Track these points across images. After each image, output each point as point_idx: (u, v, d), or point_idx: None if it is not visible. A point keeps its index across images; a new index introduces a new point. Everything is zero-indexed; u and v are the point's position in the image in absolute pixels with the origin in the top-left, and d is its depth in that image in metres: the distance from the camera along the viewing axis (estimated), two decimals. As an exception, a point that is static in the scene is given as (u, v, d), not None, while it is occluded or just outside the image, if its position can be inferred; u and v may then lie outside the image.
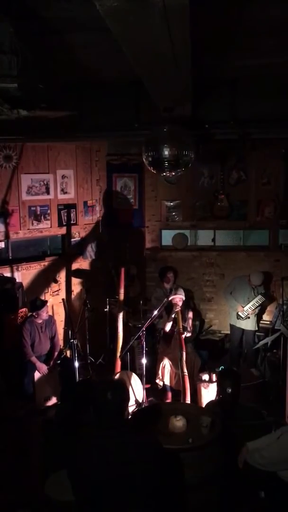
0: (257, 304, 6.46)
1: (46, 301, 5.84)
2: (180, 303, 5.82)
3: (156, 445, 2.59)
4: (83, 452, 2.48)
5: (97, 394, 2.54)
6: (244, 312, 6.46)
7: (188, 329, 6.01)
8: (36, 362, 5.55)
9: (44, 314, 5.65)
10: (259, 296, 6.47)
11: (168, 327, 5.92)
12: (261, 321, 6.94)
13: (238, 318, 6.52)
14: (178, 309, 5.78)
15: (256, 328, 6.68)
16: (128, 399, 2.63)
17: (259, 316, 6.81)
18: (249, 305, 6.45)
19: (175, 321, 5.82)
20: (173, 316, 5.83)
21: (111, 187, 7.37)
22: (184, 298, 5.92)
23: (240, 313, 6.48)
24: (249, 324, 6.57)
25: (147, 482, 2.41)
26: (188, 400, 5.18)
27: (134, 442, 2.48)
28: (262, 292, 6.53)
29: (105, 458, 2.40)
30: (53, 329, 5.88)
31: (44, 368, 5.57)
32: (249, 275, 6.53)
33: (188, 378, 5.36)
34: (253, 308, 6.46)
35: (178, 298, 5.83)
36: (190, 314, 6.16)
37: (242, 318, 6.48)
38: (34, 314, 5.65)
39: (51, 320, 5.89)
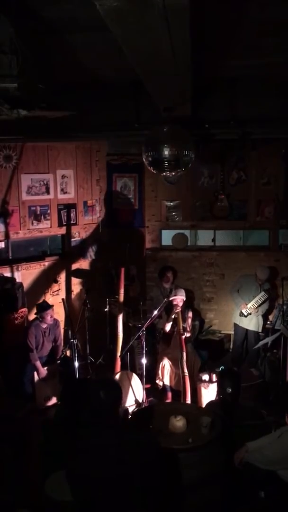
0: (260, 302, 6.44)
1: (52, 305, 5.85)
2: (180, 304, 5.82)
3: (154, 444, 2.60)
4: (81, 451, 2.48)
5: (90, 393, 2.54)
6: (247, 309, 6.44)
7: (188, 329, 6.01)
8: (39, 368, 5.56)
9: (49, 318, 5.67)
10: (262, 293, 6.45)
11: (168, 327, 5.92)
12: (267, 323, 6.90)
13: (240, 315, 6.50)
14: (178, 309, 5.77)
15: (260, 330, 6.63)
16: (121, 396, 2.63)
17: (265, 318, 6.75)
18: (252, 302, 6.43)
19: (175, 322, 5.82)
20: (173, 316, 5.82)
21: (111, 187, 7.36)
22: (185, 299, 5.92)
23: (243, 311, 6.46)
24: (252, 324, 6.55)
25: (144, 481, 2.41)
26: (188, 400, 5.19)
27: (131, 441, 2.48)
28: (265, 289, 6.52)
29: (103, 457, 2.40)
30: (57, 333, 5.89)
31: (44, 373, 5.58)
32: (255, 271, 6.53)
33: (188, 378, 5.36)
34: (256, 305, 6.43)
35: (179, 299, 5.82)
36: (190, 314, 6.15)
37: (245, 315, 6.46)
38: (39, 317, 5.67)
39: (55, 323, 5.90)
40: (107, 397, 2.47)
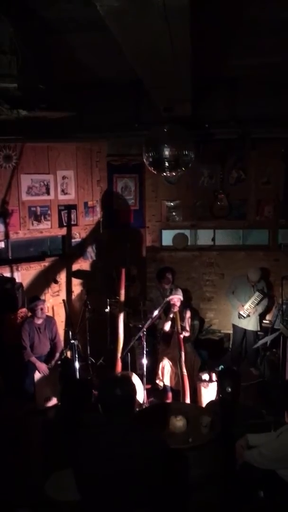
0: (256, 302, 6.45)
1: (40, 298, 5.86)
2: (178, 303, 5.82)
3: (160, 443, 2.60)
4: (90, 447, 2.48)
5: (105, 391, 2.54)
6: (245, 311, 6.45)
7: (187, 328, 6.01)
8: (36, 362, 5.55)
9: (39, 312, 5.65)
10: (257, 293, 6.46)
11: (166, 327, 5.92)
12: (263, 322, 6.91)
13: (239, 318, 6.51)
14: (176, 309, 5.78)
15: (258, 329, 6.65)
16: (136, 392, 2.63)
17: (262, 317, 6.77)
18: (249, 303, 6.44)
19: (173, 321, 5.83)
20: (171, 316, 5.83)
21: (111, 188, 7.37)
22: (182, 299, 5.92)
23: (241, 312, 6.47)
24: (250, 324, 6.56)
25: (150, 480, 2.41)
26: (187, 400, 5.19)
27: (140, 438, 2.48)
28: (259, 289, 6.53)
29: (111, 453, 2.41)
30: (54, 330, 5.88)
31: (43, 367, 5.57)
32: (247, 273, 6.55)
33: (188, 378, 5.36)
34: (253, 306, 6.45)
35: (176, 298, 5.83)
36: (188, 314, 6.15)
37: (244, 317, 6.47)
38: (33, 310, 5.67)
39: (51, 321, 5.90)
40: (124, 393, 2.47)
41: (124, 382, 2.61)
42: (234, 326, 6.77)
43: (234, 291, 6.63)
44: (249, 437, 3.32)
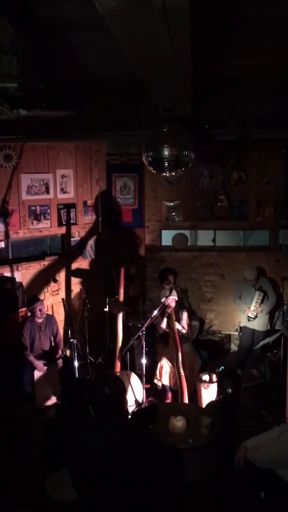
0: (259, 301, 6.45)
1: (39, 298, 5.85)
2: (172, 304, 5.82)
3: (157, 442, 2.60)
4: (85, 448, 2.48)
5: (94, 391, 2.54)
6: (252, 312, 6.44)
7: (185, 326, 6.01)
8: (33, 361, 5.56)
9: (38, 312, 5.66)
10: (258, 292, 6.47)
11: (163, 325, 5.93)
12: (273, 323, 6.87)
13: (249, 320, 6.51)
14: (170, 310, 5.78)
15: (268, 328, 6.63)
16: (125, 391, 2.64)
17: (271, 316, 6.73)
18: (253, 303, 6.45)
19: (169, 322, 5.84)
20: (166, 316, 5.84)
21: (110, 187, 7.36)
22: (176, 299, 5.92)
23: (249, 314, 6.47)
24: (260, 325, 6.56)
25: (148, 478, 2.41)
26: (185, 400, 5.18)
27: (135, 438, 2.48)
28: (258, 287, 6.52)
29: (107, 454, 2.40)
30: (54, 329, 5.89)
31: (41, 365, 5.57)
32: (244, 274, 6.55)
33: (188, 378, 5.36)
34: (258, 305, 6.44)
35: (171, 299, 5.84)
36: (185, 314, 6.14)
37: (252, 318, 6.47)
38: (32, 312, 5.67)
39: (51, 319, 5.91)
40: (112, 392, 2.48)
41: (113, 381, 2.63)
42: (242, 328, 6.74)
43: (241, 296, 6.63)
44: (246, 443, 3.31)
